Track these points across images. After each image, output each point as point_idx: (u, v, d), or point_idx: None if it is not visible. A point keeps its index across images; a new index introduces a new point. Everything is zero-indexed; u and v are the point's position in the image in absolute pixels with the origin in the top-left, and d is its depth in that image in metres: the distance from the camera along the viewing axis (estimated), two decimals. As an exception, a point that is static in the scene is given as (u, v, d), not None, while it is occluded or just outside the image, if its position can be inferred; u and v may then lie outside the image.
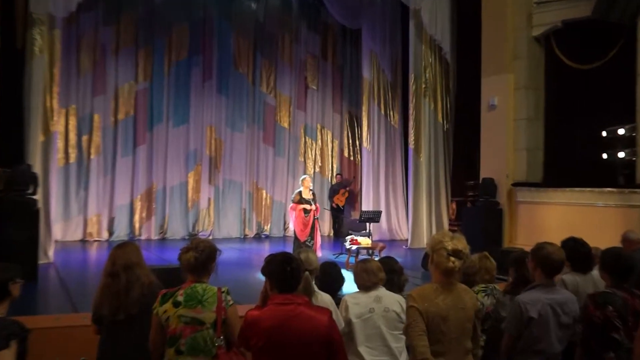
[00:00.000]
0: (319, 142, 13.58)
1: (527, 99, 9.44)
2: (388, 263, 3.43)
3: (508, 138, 9.48)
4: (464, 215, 9.97)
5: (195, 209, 12.15)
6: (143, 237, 11.57)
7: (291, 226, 9.26)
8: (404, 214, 12.55)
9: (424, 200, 11.30)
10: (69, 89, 11.08)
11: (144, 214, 11.68)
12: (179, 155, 12.06)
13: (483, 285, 3.32)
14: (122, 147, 11.54)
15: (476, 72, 10.05)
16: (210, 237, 11.82)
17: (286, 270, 2.31)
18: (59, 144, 10.74)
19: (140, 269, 2.87)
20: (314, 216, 8.67)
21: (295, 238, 8.72)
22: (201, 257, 2.62)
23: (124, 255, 2.86)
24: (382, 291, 3.16)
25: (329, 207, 12.99)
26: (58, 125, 9.58)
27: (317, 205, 8.86)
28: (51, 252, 8.38)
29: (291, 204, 8.78)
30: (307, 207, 8.62)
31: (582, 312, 2.81)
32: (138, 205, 11.63)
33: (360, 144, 13.33)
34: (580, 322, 2.81)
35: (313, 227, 8.64)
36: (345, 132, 13.88)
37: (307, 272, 2.84)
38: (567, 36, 8.84)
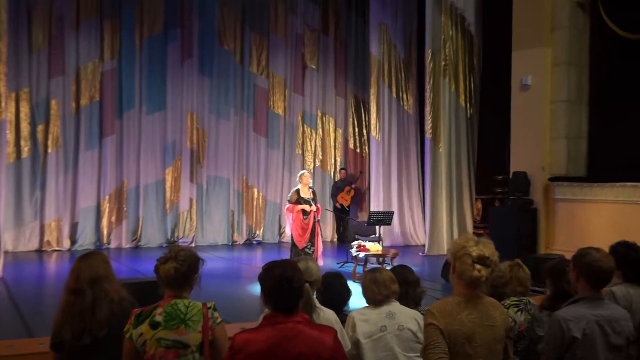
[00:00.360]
0: (320, 131, 13.62)
1: (567, 77, 9.40)
2: (402, 273, 3.44)
3: (544, 124, 9.48)
4: (491, 216, 10.02)
5: (174, 211, 12.21)
6: (112, 245, 11.60)
7: (288, 230, 9.51)
8: (420, 216, 12.65)
9: (444, 199, 11.34)
10: (20, 70, 10.94)
11: (113, 218, 11.70)
12: (154, 148, 12.07)
13: (515, 299, 3.32)
14: (85, 139, 11.47)
15: (506, 46, 10.07)
16: (193, 245, 11.93)
17: (284, 289, 2.30)
18: (9, 135, 10.64)
19: (109, 284, 2.86)
20: (315, 218, 8.71)
21: (293, 244, 8.75)
22: (182, 268, 2.62)
23: (89, 267, 2.85)
24: (395, 306, 3.18)
25: (331, 208, 13.06)
26: (6, 113, 9.38)
27: (318, 205, 8.91)
28: (0, 266, 8.32)
29: (287, 205, 8.81)
30: (306, 208, 8.67)
31: (637, 331, 2.78)
32: (106, 207, 11.63)
33: (368, 133, 13.41)
34: (636, 344, 2.76)
35: (313, 232, 8.69)
36: (351, 120, 13.98)
37: (307, 285, 2.84)
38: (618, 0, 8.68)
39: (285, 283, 2.31)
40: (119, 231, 11.70)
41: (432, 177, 11.26)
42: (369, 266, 8.69)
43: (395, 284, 3.21)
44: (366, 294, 3.23)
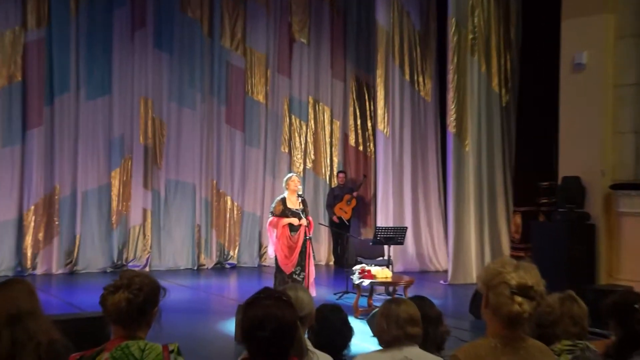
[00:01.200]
0: (312, 123, 13.68)
1: (636, 53, 9.28)
2: (419, 307, 3.49)
3: (605, 115, 9.37)
4: (534, 233, 9.98)
5: (122, 226, 12.21)
6: (39, 271, 11.51)
7: (271, 251, 9.42)
8: (441, 233, 12.71)
9: (472, 212, 11.42)
10: None
11: (40, 236, 11.60)
12: (96, 143, 11.99)
13: (569, 343, 3.27)
14: (3, 132, 11.36)
15: (553, 14, 9.95)
16: (147, 270, 11.94)
17: (258, 339, 2.38)
18: None
19: (34, 322, 2.86)
20: (306, 236, 8.79)
21: (278, 269, 8.86)
22: (137, 299, 2.68)
23: (7, 301, 2.86)
24: (412, 351, 3.22)
25: (327, 222, 13.14)
26: None
27: (310, 219, 8.98)
28: None
29: (270, 218, 8.91)
30: (295, 221, 8.76)
31: None
32: (31, 221, 11.55)
33: (374, 127, 13.34)
34: None
35: (304, 253, 8.77)
36: (351, 109, 14.04)
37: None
38: None
39: (260, 330, 2.37)
40: (48, 252, 11.60)
41: (456, 183, 11.30)
42: (376, 298, 8.54)
43: (417, 326, 3.26)
44: (377, 331, 3.31)
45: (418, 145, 12.65)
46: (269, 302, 2.43)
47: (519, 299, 2.32)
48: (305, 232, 8.75)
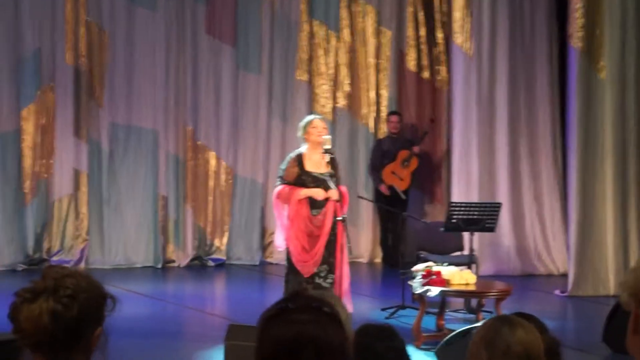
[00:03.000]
0: (346, 33, 13.69)
1: None
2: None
3: None
4: None
5: (41, 198, 12.55)
6: None
7: (279, 241, 9.33)
8: (557, 213, 13.00)
9: (609, 179, 11.44)
10: None
11: None
12: None
13: None
14: None
15: None
16: (82, 267, 12.30)
17: None
18: None
19: None
20: (336, 217, 8.78)
21: (290, 269, 8.91)
22: (68, 312, 2.66)
23: None
24: None
25: (371, 195, 13.38)
26: None
27: (343, 189, 9.02)
28: None
29: (278, 187, 8.94)
30: (318, 194, 8.77)
31: None
32: None
33: (448, 40, 13.51)
34: None
35: (333, 243, 8.84)
36: (411, 11, 14.21)
37: None
38: None
39: (303, 358, 2.41)
40: None
41: (582, 133, 11.40)
42: (451, 317, 8.59)
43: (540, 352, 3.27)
44: None
45: (520, 71, 12.63)
46: (304, 316, 2.46)
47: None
48: (335, 211, 8.70)
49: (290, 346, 2.39)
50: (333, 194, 8.69)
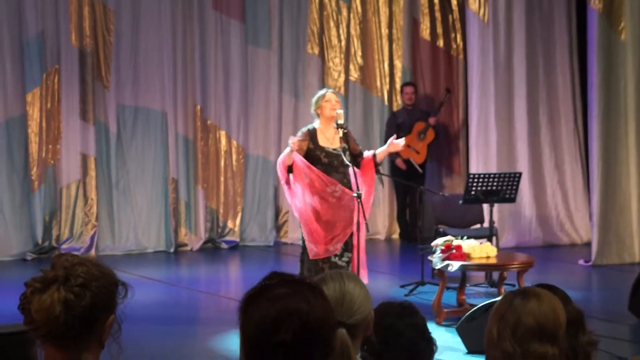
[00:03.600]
0: (358, 4, 13.99)
1: None
2: None
3: None
4: None
5: (48, 185, 12.58)
6: None
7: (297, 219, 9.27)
8: (579, 181, 13.25)
9: (633, 145, 11.62)
10: None
11: None
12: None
13: None
14: None
15: None
16: (92, 254, 12.37)
17: (272, 348, 2.47)
18: None
19: None
20: (353, 192, 8.72)
21: (305, 247, 8.81)
22: (81, 301, 2.68)
23: None
24: None
25: (386, 170, 13.40)
26: None
27: (366, 158, 8.97)
28: None
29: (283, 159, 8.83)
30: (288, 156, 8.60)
31: None
32: None
33: (463, 6, 13.60)
34: None
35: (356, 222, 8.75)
36: None
37: (342, 331, 3.01)
38: None
39: (276, 330, 2.46)
40: None
41: (604, 97, 11.43)
42: (472, 292, 8.45)
43: (549, 342, 3.29)
44: (492, 349, 3.32)
45: (538, 37, 12.51)
46: (283, 290, 2.49)
47: None
48: (353, 186, 8.66)
49: (274, 322, 2.43)
50: (350, 170, 8.63)
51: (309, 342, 2.46)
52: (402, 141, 8.92)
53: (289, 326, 2.42)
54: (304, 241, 8.73)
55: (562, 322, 3.31)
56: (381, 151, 8.98)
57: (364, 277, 8.53)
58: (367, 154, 8.85)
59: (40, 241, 12.24)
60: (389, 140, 8.93)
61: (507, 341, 3.24)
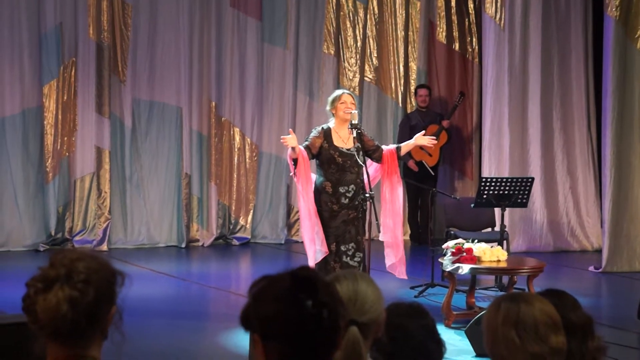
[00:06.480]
0: (375, 5, 14.04)
1: None
2: (556, 307, 3.51)
3: None
4: None
5: (63, 177, 12.68)
6: None
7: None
8: (591, 187, 13.14)
9: None
10: None
11: None
12: (16, 39, 12.39)
13: None
14: None
15: None
16: (104, 248, 12.56)
17: (300, 317, 2.46)
18: None
19: None
20: (364, 193, 8.82)
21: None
22: (86, 297, 2.67)
23: None
24: None
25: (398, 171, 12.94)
26: None
27: (387, 151, 9.09)
28: None
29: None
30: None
31: None
32: None
33: (479, 11, 13.63)
34: None
35: (361, 221, 8.91)
36: None
37: (353, 329, 3.04)
38: None
39: (301, 305, 2.46)
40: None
41: (618, 103, 11.37)
42: (481, 295, 8.51)
43: (559, 334, 3.29)
44: (495, 347, 3.33)
45: (554, 42, 12.52)
46: (288, 274, 2.53)
47: None
48: (364, 186, 8.75)
49: (285, 299, 2.47)
50: (362, 169, 8.68)
51: (315, 331, 2.47)
52: (431, 139, 9.05)
53: (298, 311, 2.45)
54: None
55: (557, 320, 3.32)
56: (406, 144, 9.05)
57: (402, 274, 8.86)
58: (389, 147, 8.96)
59: (53, 232, 12.33)
60: (417, 135, 9.01)
61: (531, 342, 3.25)
